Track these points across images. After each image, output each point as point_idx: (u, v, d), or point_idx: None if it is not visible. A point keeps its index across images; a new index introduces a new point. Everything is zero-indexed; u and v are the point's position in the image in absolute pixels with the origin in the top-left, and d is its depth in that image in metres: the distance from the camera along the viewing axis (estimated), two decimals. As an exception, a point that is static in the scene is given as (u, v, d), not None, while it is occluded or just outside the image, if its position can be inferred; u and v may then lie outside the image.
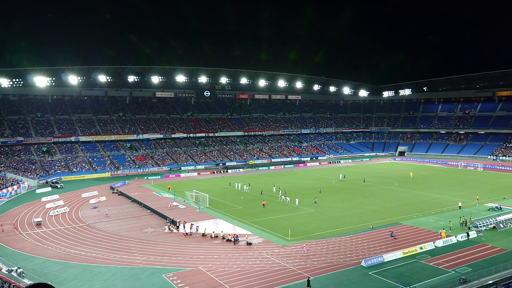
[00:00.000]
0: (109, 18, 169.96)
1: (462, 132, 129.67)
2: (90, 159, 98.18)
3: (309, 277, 31.62)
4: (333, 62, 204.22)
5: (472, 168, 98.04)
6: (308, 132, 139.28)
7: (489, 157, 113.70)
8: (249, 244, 41.09)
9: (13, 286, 28.47)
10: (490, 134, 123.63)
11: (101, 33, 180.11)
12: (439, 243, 40.04)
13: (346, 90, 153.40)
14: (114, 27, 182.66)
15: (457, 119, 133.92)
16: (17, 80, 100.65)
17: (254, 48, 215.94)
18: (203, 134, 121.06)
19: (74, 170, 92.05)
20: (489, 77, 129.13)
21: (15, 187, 71.92)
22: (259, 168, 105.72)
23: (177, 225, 47.94)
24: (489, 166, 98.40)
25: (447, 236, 41.69)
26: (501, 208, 54.65)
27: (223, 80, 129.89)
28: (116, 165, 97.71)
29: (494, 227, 45.42)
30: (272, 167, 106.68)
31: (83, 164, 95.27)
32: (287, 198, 62.14)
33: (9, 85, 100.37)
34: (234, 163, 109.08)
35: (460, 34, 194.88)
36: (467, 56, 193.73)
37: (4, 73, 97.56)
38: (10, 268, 34.25)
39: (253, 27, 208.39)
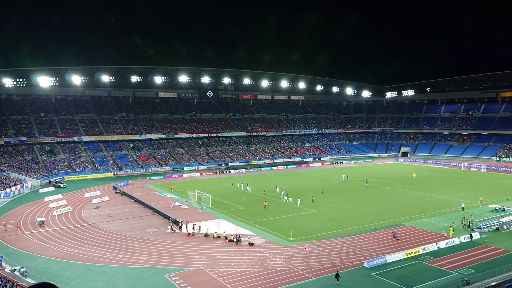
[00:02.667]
0: (114, 21, 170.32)
1: (465, 133, 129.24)
2: (93, 159, 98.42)
3: (337, 271, 32.25)
4: (336, 63, 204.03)
5: (475, 169, 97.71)
6: (311, 132, 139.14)
7: (492, 158, 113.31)
8: (251, 244, 41.09)
9: (16, 285, 28.56)
10: (494, 135, 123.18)
11: (106, 35, 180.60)
12: (442, 244, 39.92)
13: (349, 91, 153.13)
14: (119, 29, 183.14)
15: (460, 120, 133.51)
16: (21, 80, 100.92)
17: (257, 50, 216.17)
18: (206, 135, 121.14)
19: (77, 170, 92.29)
20: (492, 78, 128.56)
21: (18, 186, 72.16)
22: (262, 168, 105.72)
23: (180, 225, 48.00)
24: (493, 167, 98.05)
25: (451, 238, 41.64)
26: (504, 210, 54.42)
27: (226, 80, 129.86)
28: (119, 165, 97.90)
29: (497, 229, 45.25)
30: (274, 168, 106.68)
31: (86, 164, 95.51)
32: (289, 198, 62.06)
33: (13, 85, 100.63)
34: (236, 164, 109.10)
35: (463, 37, 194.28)
36: (470, 57, 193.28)
37: (8, 73, 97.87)
38: (13, 268, 34.37)
39: (256, 30, 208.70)
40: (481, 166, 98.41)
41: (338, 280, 31.60)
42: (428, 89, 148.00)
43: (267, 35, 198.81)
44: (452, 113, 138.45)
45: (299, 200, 60.35)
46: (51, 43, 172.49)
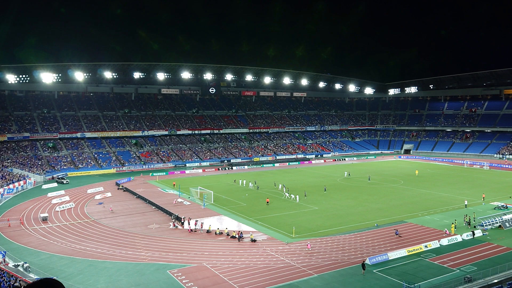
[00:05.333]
0: (120, 13, 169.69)
1: (468, 130, 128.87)
2: (95, 155, 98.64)
3: (363, 261, 33.02)
4: (340, 59, 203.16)
5: (478, 166, 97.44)
6: (313, 129, 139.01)
7: (495, 155, 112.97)
8: (253, 241, 41.17)
9: (20, 280, 28.73)
10: (497, 132, 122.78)
11: (111, 27, 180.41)
12: (444, 241, 39.89)
13: (352, 88, 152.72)
14: (124, 22, 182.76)
15: (464, 117, 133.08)
16: (24, 76, 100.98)
17: (262, 44, 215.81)
18: (208, 131, 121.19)
19: (80, 166, 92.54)
20: (496, 75, 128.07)
21: (21, 182, 72.43)
22: (264, 165, 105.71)
23: (182, 221, 48.13)
24: (495, 165, 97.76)
25: (453, 235, 41.62)
26: (507, 207, 54.32)
27: (229, 77, 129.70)
28: (122, 161, 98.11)
29: (500, 226, 45.18)
30: (277, 164, 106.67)
31: (89, 160, 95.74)
32: (291, 195, 62.13)
33: (16, 81, 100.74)
34: (239, 160, 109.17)
35: (467, 34, 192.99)
36: (474, 54, 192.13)
37: (11, 69, 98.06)
38: (16, 263, 34.56)
39: (262, 22, 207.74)
40: (484, 163, 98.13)
41: (364, 269, 32.63)
42: (431, 86, 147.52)
43: (273, 27, 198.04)
44: (455, 110, 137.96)
45: (297, 196, 60.50)
46: (55, 37, 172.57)
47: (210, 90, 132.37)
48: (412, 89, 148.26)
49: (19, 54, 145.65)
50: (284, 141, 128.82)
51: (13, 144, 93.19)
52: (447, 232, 42.91)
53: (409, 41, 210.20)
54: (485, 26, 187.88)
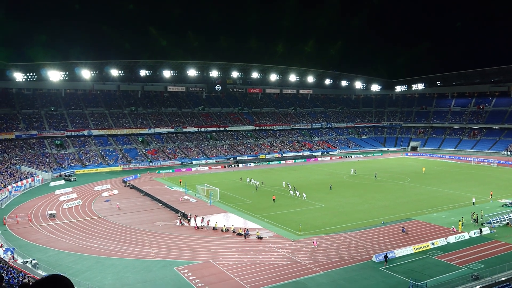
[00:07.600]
0: (132, 8, 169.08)
1: (476, 127, 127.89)
2: (102, 153, 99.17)
3: (386, 253, 33.87)
4: (347, 56, 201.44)
5: (486, 163, 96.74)
6: (320, 126, 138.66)
7: (503, 152, 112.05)
8: (259, 238, 41.23)
9: (28, 277, 29.02)
10: (505, 129, 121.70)
11: (122, 25, 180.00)
12: (451, 239, 39.70)
13: (358, 85, 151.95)
14: (136, 18, 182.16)
15: (471, 114, 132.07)
16: (31, 74, 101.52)
17: (271, 40, 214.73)
18: (214, 129, 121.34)
19: (87, 163, 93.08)
20: (504, 71, 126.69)
21: (29, 180, 72.98)
22: (270, 162, 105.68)
23: (188, 218, 48.28)
24: (504, 162, 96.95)
25: (460, 232, 41.42)
26: (515, 205, 53.91)
27: (234, 74, 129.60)
28: (128, 159, 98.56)
29: (508, 224, 44.85)
30: (283, 162, 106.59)
31: (96, 158, 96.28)
32: (296, 192, 62.09)
33: (24, 79, 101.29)
34: (245, 158, 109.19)
35: (474, 30, 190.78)
36: (481, 50, 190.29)
37: (18, 67, 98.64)
38: (25, 260, 34.90)
39: (273, 18, 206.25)
40: (491, 160, 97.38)
41: (386, 261, 33.67)
42: (438, 82, 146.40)
43: (284, 21, 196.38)
44: (463, 107, 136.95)
45: (304, 194, 60.52)
46: (64, 35, 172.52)
47: (216, 87, 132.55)
48: (419, 86, 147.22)
49: (28, 52, 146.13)
50: (290, 138, 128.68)
51: (21, 142, 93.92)
52: (454, 229, 42.70)
53: (416, 38, 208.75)
54: (493, 23, 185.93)
